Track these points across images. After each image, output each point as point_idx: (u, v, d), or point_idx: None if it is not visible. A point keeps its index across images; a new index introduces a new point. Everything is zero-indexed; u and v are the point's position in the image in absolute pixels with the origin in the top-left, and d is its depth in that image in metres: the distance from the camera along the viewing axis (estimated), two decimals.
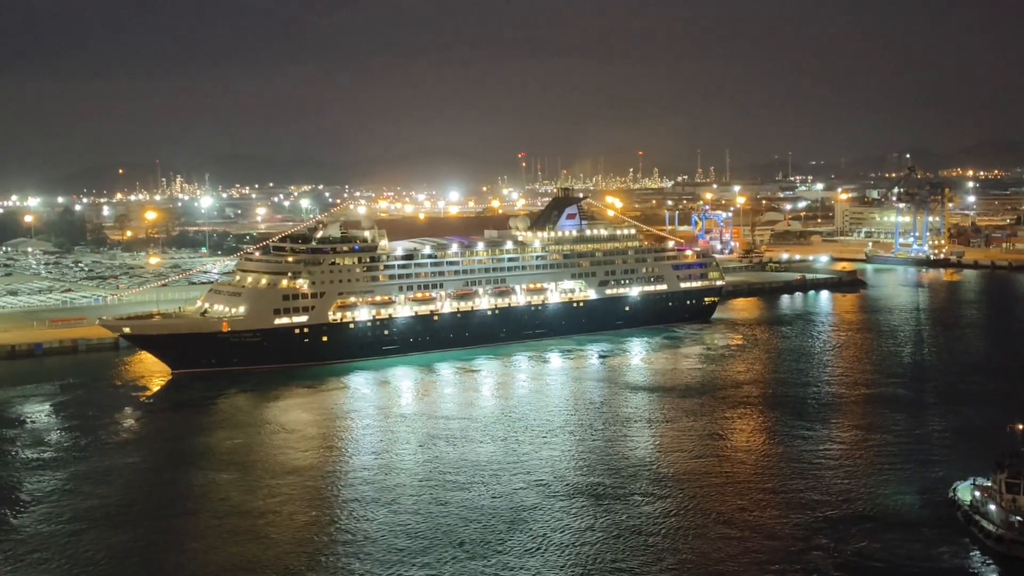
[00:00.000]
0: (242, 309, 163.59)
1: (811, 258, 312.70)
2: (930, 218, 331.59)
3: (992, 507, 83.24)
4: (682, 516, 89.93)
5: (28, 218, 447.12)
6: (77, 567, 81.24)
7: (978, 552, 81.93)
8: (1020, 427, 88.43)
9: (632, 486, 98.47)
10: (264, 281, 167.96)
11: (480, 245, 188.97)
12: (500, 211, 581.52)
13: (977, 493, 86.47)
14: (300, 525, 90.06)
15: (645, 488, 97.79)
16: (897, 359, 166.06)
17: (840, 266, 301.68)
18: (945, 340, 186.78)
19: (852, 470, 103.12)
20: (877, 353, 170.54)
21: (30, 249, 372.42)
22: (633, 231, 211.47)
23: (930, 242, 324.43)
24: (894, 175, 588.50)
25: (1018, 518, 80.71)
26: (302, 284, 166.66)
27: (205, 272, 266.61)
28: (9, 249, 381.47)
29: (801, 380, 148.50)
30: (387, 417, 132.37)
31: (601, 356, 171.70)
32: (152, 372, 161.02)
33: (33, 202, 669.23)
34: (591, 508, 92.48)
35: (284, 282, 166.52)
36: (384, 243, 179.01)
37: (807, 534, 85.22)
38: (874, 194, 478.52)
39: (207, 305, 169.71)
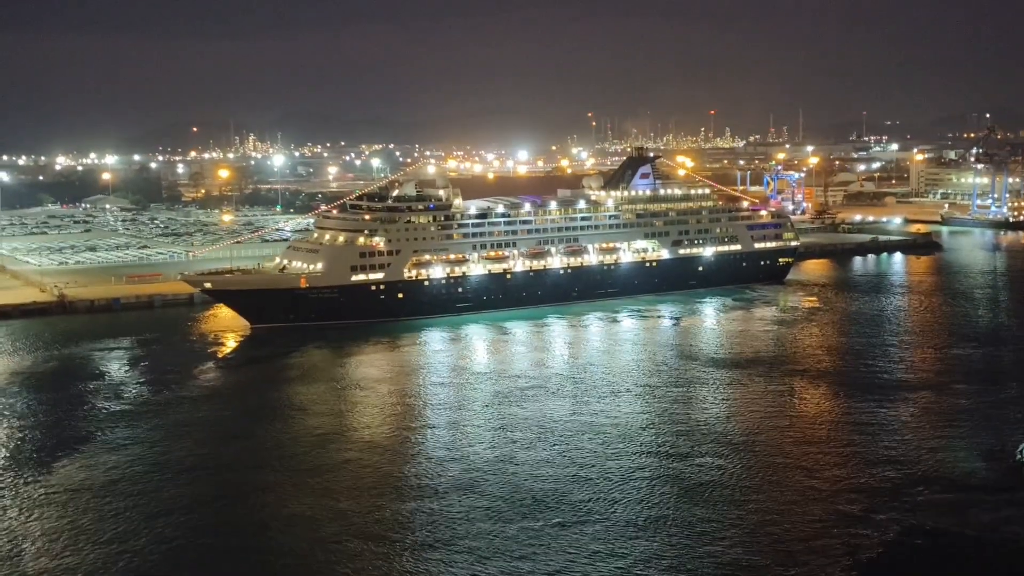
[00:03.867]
0: (320, 266, 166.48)
1: (884, 220, 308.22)
2: (1010, 179, 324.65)
3: None
4: (748, 479, 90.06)
5: (106, 176, 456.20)
6: (154, 517, 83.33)
7: None
8: None
9: (701, 448, 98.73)
10: (341, 238, 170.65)
11: (553, 204, 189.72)
12: (569, 171, 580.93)
13: None
14: (371, 481, 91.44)
15: (713, 450, 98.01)
16: (971, 323, 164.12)
17: (914, 228, 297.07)
18: (1021, 305, 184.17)
19: (920, 434, 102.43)
20: (951, 317, 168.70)
21: (108, 206, 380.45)
22: (707, 191, 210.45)
23: (1009, 204, 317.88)
24: (973, 135, 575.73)
25: None
26: (378, 242, 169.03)
27: (278, 230, 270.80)
28: (88, 206, 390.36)
29: (872, 343, 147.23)
30: (460, 374, 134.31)
31: (673, 317, 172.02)
32: (227, 327, 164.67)
33: (110, 160, 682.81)
34: (658, 469, 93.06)
35: (361, 239, 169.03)
36: (458, 202, 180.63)
37: (871, 499, 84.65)
38: (951, 155, 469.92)
39: (285, 261, 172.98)
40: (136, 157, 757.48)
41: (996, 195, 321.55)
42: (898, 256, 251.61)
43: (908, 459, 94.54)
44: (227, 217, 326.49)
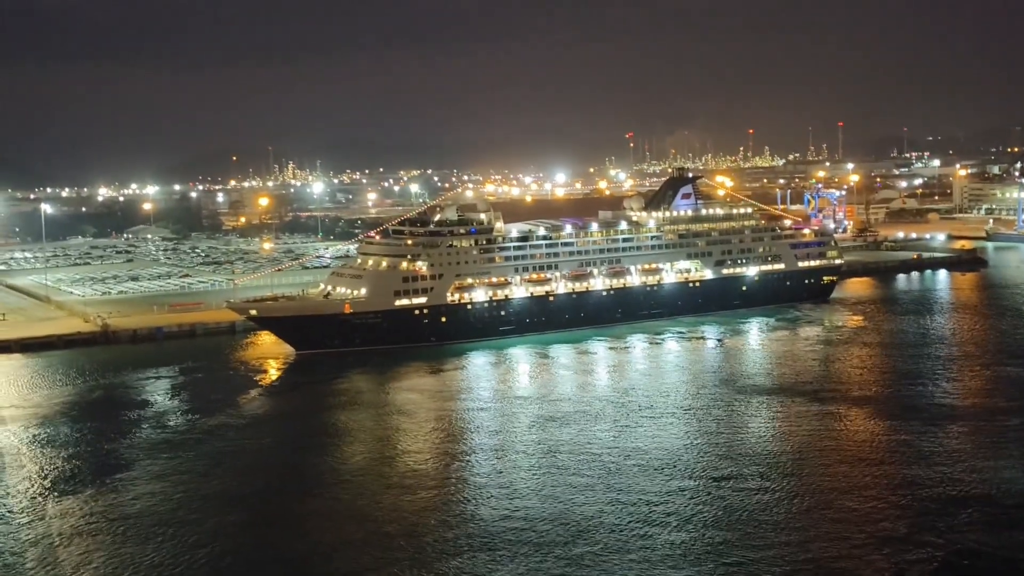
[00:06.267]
0: (363, 291, 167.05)
1: (928, 236, 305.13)
2: None
3: None
4: (791, 502, 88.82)
5: (147, 206, 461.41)
6: (196, 546, 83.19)
7: None
8: None
9: (743, 471, 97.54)
10: (384, 264, 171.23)
11: (594, 226, 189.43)
12: (608, 192, 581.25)
13: None
14: (415, 507, 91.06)
15: (756, 473, 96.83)
16: (1018, 339, 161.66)
17: (959, 244, 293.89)
18: None
19: (966, 455, 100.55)
20: (998, 334, 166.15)
21: (149, 236, 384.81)
22: (750, 210, 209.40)
23: None
24: (1016, 149, 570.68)
25: None
26: (421, 266, 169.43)
27: (319, 257, 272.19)
28: (130, 236, 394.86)
29: (917, 363, 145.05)
30: (502, 398, 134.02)
31: (717, 338, 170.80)
32: (270, 354, 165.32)
33: (151, 190, 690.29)
34: (700, 492, 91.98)
35: (404, 264, 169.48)
36: (500, 225, 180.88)
37: (916, 521, 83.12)
38: (995, 169, 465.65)
39: (329, 287, 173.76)
40: (176, 187, 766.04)
41: None
42: (943, 273, 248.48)
43: (955, 480, 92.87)
44: (267, 245, 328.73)
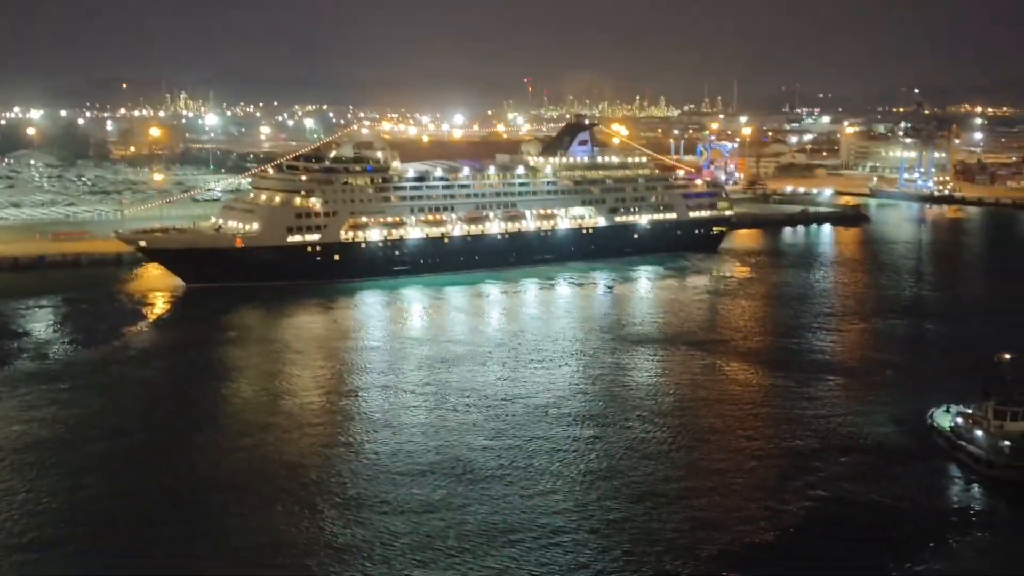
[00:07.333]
0: (256, 226, 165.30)
1: (815, 191, 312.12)
2: (936, 154, 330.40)
3: (978, 433, 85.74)
4: (670, 447, 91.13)
5: (31, 130, 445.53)
6: (74, 475, 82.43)
7: (965, 477, 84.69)
8: (1006, 356, 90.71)
9: (626, 416, 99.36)
10: (278, 199, 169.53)
11: (492, 169, 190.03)
12: (505, 136, 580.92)
13: (959, 420, 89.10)
14: (301, 443, 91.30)
15: (638, 418, 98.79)
16: (894, 294, 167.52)
17: (844, 200, 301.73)
18: (943, 276, 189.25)
19: (840, 404, 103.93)
20: (875, 289, 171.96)
21: (33, 162, 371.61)
22: (644, 159, 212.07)
23: (935, 178, 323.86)
24: (902, 110, 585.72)
25: (1006, 443, 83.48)
26: (315, 203, 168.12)
27: (210, 190, 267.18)
28: (12, 161, 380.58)
29: (798, 315, 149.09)
30: (395, 338, 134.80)
31: (608, 285, 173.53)
32: (157, 287, 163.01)
33: (36, 114, 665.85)
34: (583, 434, 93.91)
35: (297, 200, 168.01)
36: (396, 164, 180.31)
37: (790, 468, 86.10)
38: (881, 128, 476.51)
39: (221, 221, 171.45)
40: (63, 112, 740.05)
41: (923, 169, 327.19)
42: (827, 228, 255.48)
43: (827, 428, 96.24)
44: (158, 176, 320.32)
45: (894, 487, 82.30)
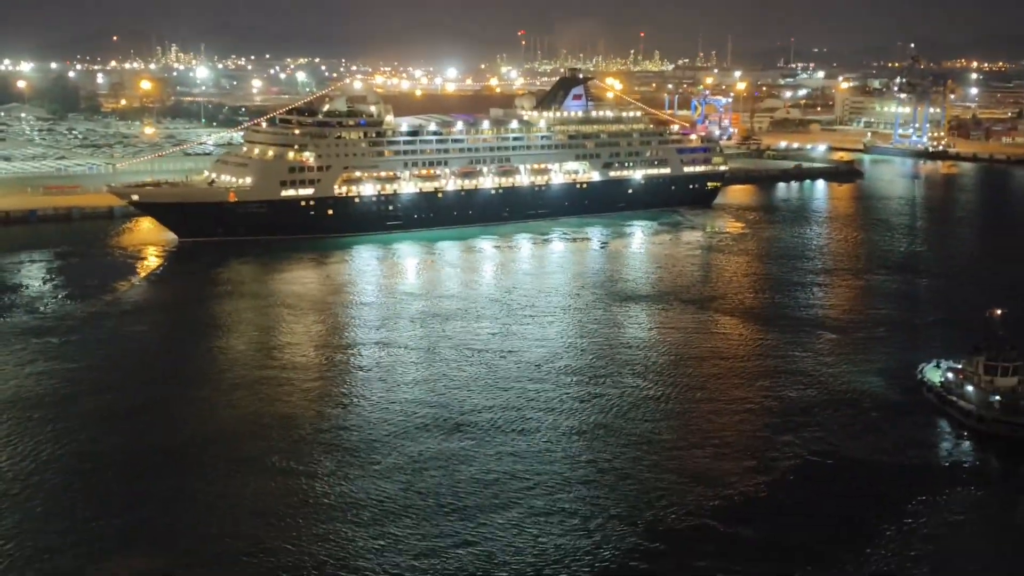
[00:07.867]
0: (249, 180, 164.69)
1: (809, 147, 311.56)
2: (931, 110, 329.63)
3: (969, 388, 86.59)
4: (663, 401, 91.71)
5: (21, 83, 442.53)
6: (69, 431, 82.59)
7: (955, 432, 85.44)
8: (997, 312, 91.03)
9: (619, 371, 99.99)
10: (271, 153, 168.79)
11: (485, 124, 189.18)
12: (498, 90, 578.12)
13: (950, 375, 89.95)
14: (294, 398, 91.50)
15: (631, 372, 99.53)
16: (886, 250, 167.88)
17: (838, 156, 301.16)
18: (936, 232, 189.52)
19: (832, 359, 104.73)
20: (867, 244, 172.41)
21: (23, 115, 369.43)
22: (639, 114, 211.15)
23: (930, 134, 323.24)
24: (897, 65, 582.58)
25: (996, 398, 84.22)
26: (308, 157, 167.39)
27: (202, 144, 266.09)
28: (2, 114, 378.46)
29: (792, 270, 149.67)
30: (388, 292, 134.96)
31: (601, 240, 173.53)
32: (149, 241, 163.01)
33: (26, 67, 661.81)
34: (576, 388, 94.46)
35: (291, 154, 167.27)
36: (390, 119, 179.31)
37: (781, 422, 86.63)
38: (876, 84, 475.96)
39: (214, 175, 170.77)
40: (53, 65, 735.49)
41: (917, 125, 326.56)
42: (821, 183, 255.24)
43: (818, 383, 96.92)
44: (149, 129, 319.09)
45: (884, 441, 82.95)
